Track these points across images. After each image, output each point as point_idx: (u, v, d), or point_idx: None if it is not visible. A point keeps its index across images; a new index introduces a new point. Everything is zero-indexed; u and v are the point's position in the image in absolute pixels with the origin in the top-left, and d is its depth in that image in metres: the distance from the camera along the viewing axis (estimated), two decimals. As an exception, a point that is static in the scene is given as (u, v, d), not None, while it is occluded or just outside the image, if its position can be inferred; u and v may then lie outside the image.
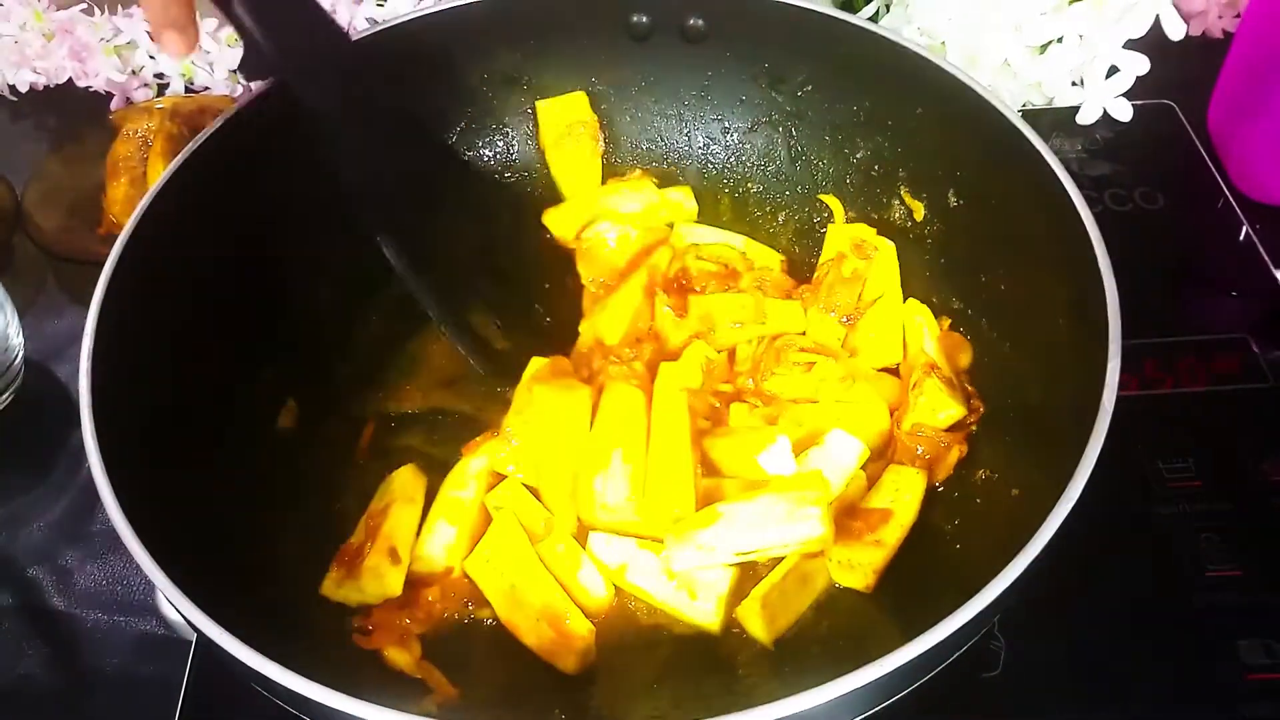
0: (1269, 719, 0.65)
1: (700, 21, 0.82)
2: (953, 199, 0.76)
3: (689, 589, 0.66)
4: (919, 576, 0.66)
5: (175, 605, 0.52)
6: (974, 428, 0.72)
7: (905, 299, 0.79)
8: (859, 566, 0.66)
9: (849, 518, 0.68)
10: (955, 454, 0.70)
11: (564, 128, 0.87)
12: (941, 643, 0.48)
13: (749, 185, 0.88)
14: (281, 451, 0.74)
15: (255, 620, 0.52)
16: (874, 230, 0.81)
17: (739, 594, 0.67)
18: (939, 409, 0.71)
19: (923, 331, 0.76)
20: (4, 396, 0.85)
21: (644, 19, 0.83)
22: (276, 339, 0.76)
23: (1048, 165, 0.65)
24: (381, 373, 0.82)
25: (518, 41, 0.85)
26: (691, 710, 0.62)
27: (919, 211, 0.79)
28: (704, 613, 0.66)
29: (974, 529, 0.67)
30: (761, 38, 0.82)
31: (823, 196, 0.85)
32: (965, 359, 0.75)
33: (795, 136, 0.85)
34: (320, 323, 0.81)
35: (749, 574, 0.68)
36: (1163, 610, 0.70)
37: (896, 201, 0.81)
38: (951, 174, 0.76)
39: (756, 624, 0.65)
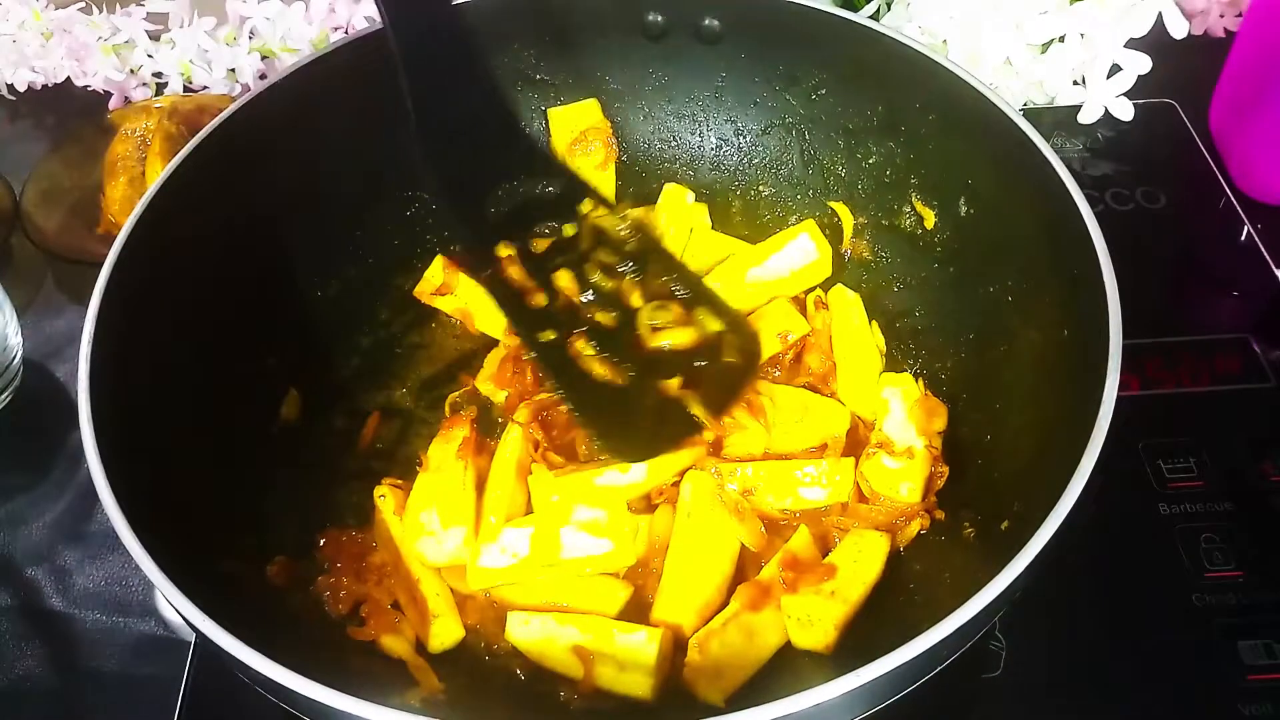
0: (1269, 719, 0.65)
1: (715, 22, 0.82)
2: (964, 207, 0.75)
3: (616, 660, 0.63)
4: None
5: (174, 605, 0.51)
6: (935, 499, 0.71)
7: (913, 310, 0.79)
8: (818, 623, 0.62)
9: (793, 570, 0.66)
10: (916, 526, 0.69)
11: (577, 134, 0.86)
12: (941, 642, 0.48)
13: (760, 188, 0.88)
14: (284, 446, 0.74)
15: (254, 618, 0.52)
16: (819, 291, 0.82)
17: (671, 662, 0.64)
18: (888, 485, 0.70)
19: (889, 407, 0.74)
20: (3, 396, 0.85)
21: (659, 18, 0.83)
22: (278, 334, 0.76)
23: (1049, 165, 0.65)
24: (385, 364, 0.82)
25: (530, 39, 0.84)
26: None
27: (929, 219, 0.78)
28: (633, 683, 0.63)
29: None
30: (776, 39, 0.81)
31: (832, 204, 0.84)
32: (940, 423, 0.73)
33: (808, 140, 0.84)
34: (323, 316, 0.81)
35: (680, 644, 0.65)
36: (1163, 610, 0.70)
37: (907, 209, 0.80)
38: (963, 182, 0.75)
39: (699, 677, 0.62)
